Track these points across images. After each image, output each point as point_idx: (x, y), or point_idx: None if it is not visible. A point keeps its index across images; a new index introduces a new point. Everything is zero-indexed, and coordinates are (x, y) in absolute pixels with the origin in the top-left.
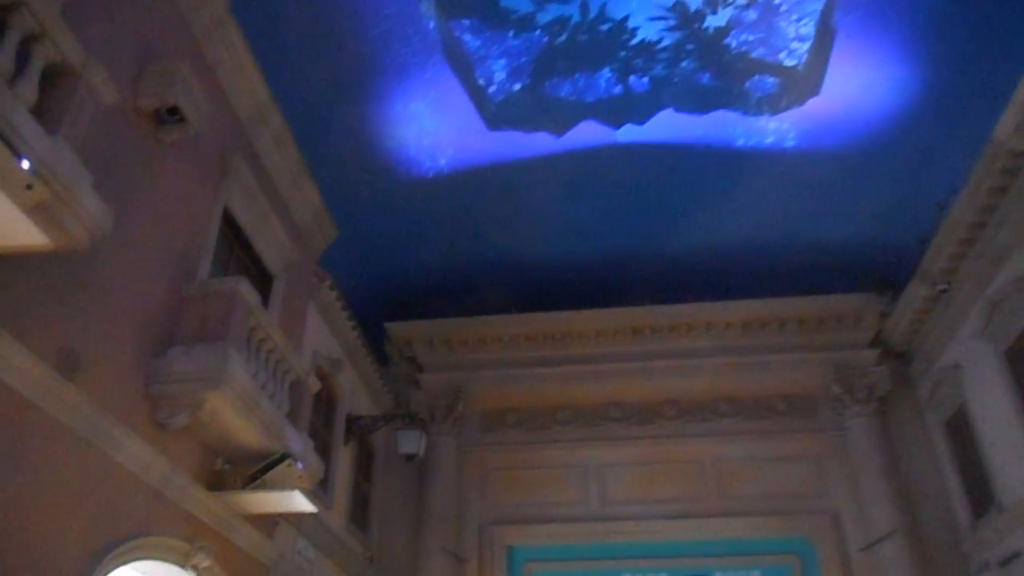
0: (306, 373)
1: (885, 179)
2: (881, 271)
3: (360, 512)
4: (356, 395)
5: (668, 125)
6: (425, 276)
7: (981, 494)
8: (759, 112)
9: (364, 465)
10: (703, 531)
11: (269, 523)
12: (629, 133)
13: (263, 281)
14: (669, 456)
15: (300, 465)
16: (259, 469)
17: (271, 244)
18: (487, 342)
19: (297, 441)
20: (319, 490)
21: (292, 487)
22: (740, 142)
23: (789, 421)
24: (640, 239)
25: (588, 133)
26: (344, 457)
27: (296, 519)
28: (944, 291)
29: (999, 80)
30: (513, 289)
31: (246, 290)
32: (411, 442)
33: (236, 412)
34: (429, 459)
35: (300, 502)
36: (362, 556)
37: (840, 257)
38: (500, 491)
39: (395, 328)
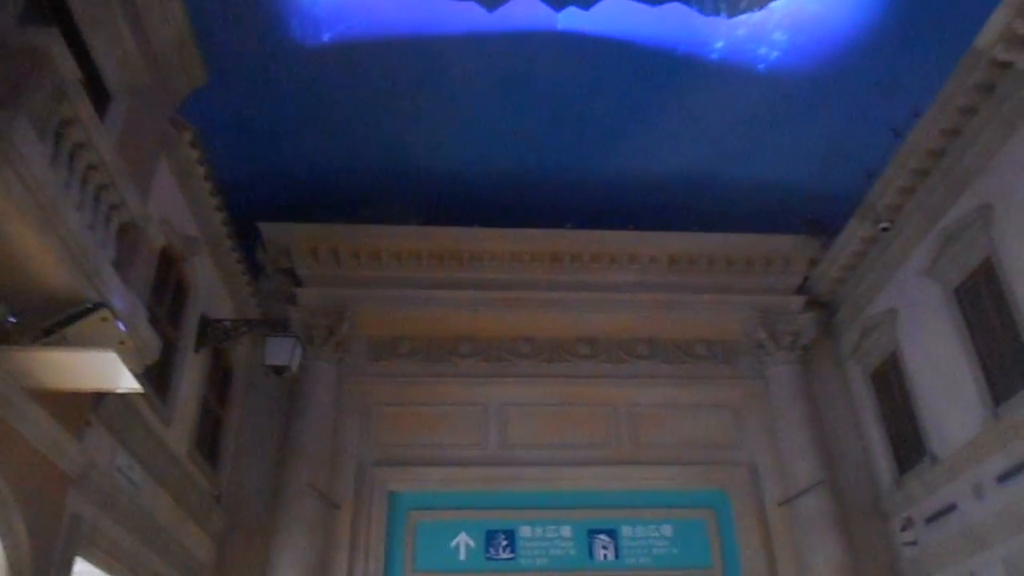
0: (146, 219)
1: (838, 111)
2: (819, 214)
3: (209, 439)
4: (215, 295)
5: (615, 14)
6: (313, 173)
7: (909, 447)
8: (716, 11)
9: (219, 383)
10: (613, 481)
11: (74, 416)
12: (571, 18)
13: (98, 99)
14: (580, 398)
15: (122, 325)
16: (60, 320)
17: (113, 53)
18: (382, 257)
19: (123, 296)
20: (156, 398)
21: (106, 346)
22: (687, 48)
23: (709, 367)
24: (567, 156)
25: (525, 12)
26: (193, 366)
27: (118, 425)
28: (886, 229)
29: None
30: (417, 198)
31: (59, 52)
32: (282, 351)
33: (25, 219)
34: (303, 386)
35: (118, 372)
36: (207, 493)
37: (779, 196)
38: (386, 429)
39: (272, 230)
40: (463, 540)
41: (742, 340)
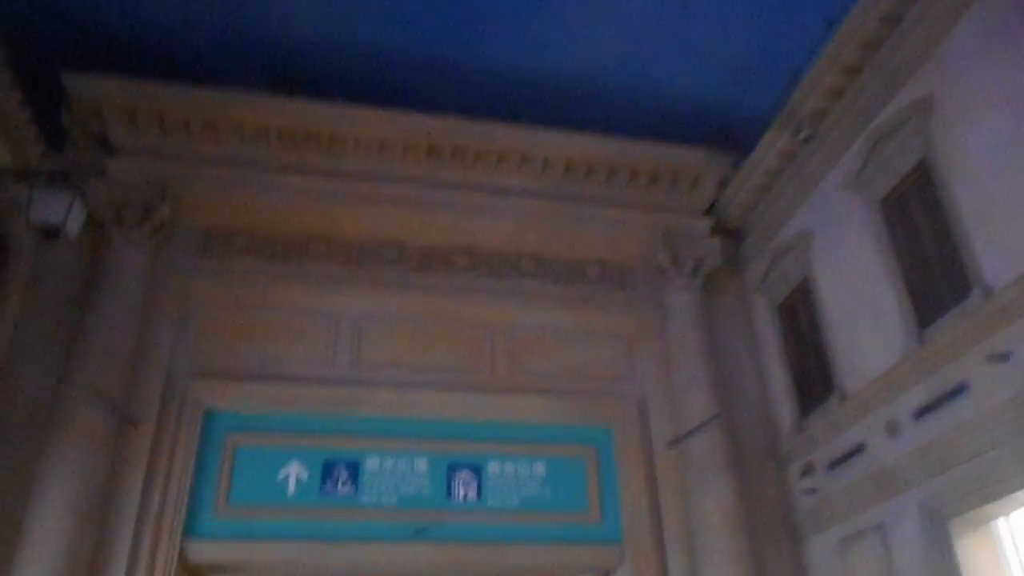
0: None
1: (762, 4)
2: (734, 128)
3: None
4: None
5: None
6: (138, 20)
7: (815, 386)
8: None
9: None
10: (481, 410)
11: None
12: None
13: None
14: (452, 315)
15: None
16: None
17: None
18: (219, 129)
19: None
20: None
21: None
22: None
23: (601, 291)
24: (455, 34)
25: None
26: None
27: None
28: (808, 140)
29: None
30: (270, 64)
31: None
32: (53, 207)
33: None
34: (104, 275)
35: None
36: None
37: (692, 104)
38: (209, 336)
39: (79, 83)
40: (295, 470)
41: (640, 263)
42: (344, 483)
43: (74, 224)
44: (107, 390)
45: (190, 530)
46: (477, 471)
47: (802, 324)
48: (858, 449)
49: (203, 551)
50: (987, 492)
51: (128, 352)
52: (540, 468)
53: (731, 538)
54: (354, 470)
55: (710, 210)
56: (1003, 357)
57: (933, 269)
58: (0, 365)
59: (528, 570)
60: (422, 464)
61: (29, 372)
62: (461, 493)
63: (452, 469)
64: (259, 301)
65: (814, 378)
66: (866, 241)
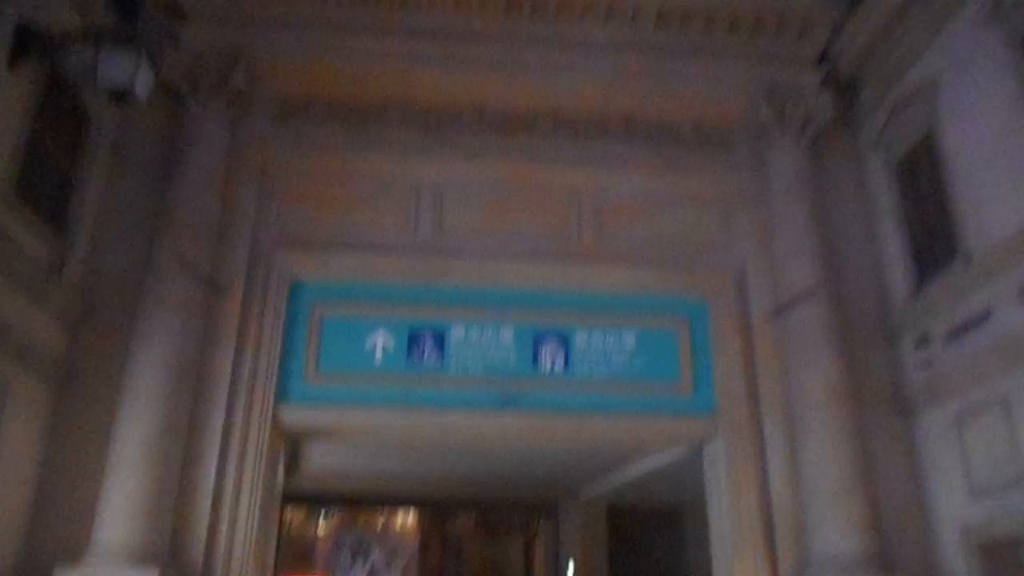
0: None
1: None
2: None
3: (46, 195)
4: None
5: None
6: None
7: (935, 250)
8: None
9: (62, 128)
10: (568, 280)
11: None
12: None
13: None
14: (536, 181)
15: None
16: None
17: None
18: None
19: None
20: None
21: None
22: None
23: (697, 153)
24: None
25: None
26: (5, 87)
27: None
28: None
29: None
30: None
31: None
32: (119, 70)
33: None
34: (184, 146)
35: None
36: (42, 261)
37: None
38: (290, 206)
39: None
40: (381, 340)
41: (741, 122)
42: (430, 352)
43: (142, 88)
44: (194, 260)
45: (282, 396)
46: (564, 341)
47: (923, 183)
48: (983, 317)
49: (295, 416)
50: None
51: (212, 224)
52: (630, 339)
53: (834, 413)
54: (440, 340)
55: (821, 60)
56: None
57: None
58: (90, 236)
59: (617, 440)
60: (508, 334)
61: (117, 245)
62: (548, 363)
63: (538, 339)
64: (338, 170)
65: (935, 242)
66: (1004, 86)
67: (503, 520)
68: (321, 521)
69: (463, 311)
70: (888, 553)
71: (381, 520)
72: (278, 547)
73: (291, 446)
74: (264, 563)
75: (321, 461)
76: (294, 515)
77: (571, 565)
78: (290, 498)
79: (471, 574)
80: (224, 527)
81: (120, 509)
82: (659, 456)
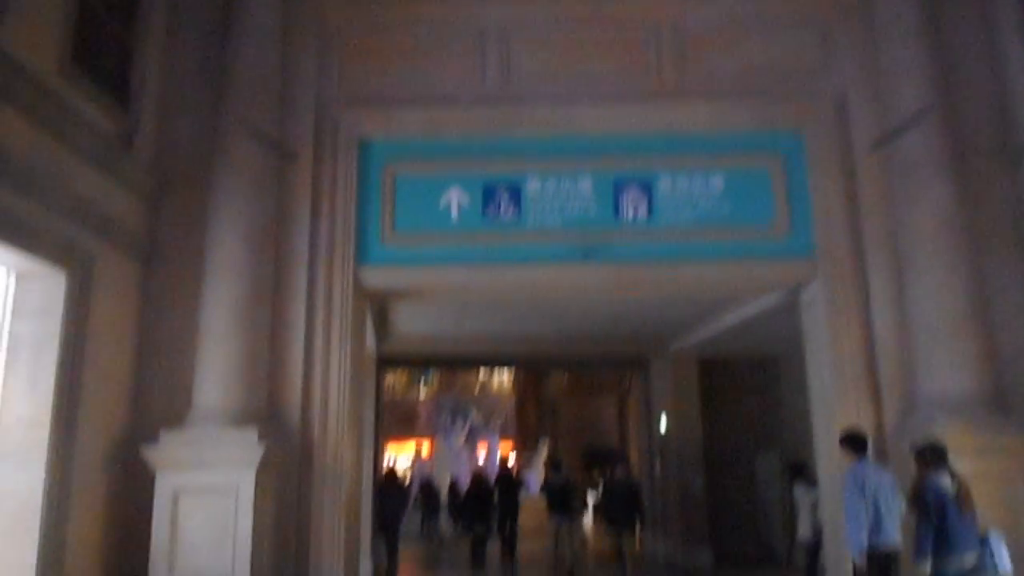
0: None
1: None
2: None
3: (103, 64)
4: None
5: None
6: None
7: None
8: None
9: None
10: (649, 121)
11: None
12: None
13: None
14: (610, 15)
15: None
16: None
17: None
18: None
19: None
20: None
21: None
22: None
23: None
24: None
25: None
26: None
27: None
28: None
29: None
30: None
31: None
32: None
33: None
34: (240, 6)
35: None
36: (108, 133)
37: None
38: (352, 61)
39: None
40: (455, 196)
41: None
42: (506, 207)
43: None
44: (259, 123)
45: (361, 258)
46: (647, 188)
47: None
48: None
49: (375, 277)
50: None
51: (275, 85)
52: (718, 181)
53: (947, 247)
54: (515, 193)
55: None
56: None
57: None
58: (156, 106)
59: (708, 289)
60: (586, 183)
61: (184, 112)
62: (630, 212)
63: (619, 187)
64: (399, 18)
65: None
66: None
67: (596, 379)
68: (422, 387)
69: (538, 162)
70: (1003, 393)
71: (478, 383)
72: (382, 411)
73: (378, 310)
74: (359, 421)
75: (411, 325)
76: (396, 381)
77: (663, 419)
78: (386, 362)
79: (566, 431)
80: (317, 387)
81: (217, 375)
82: (752, 304)
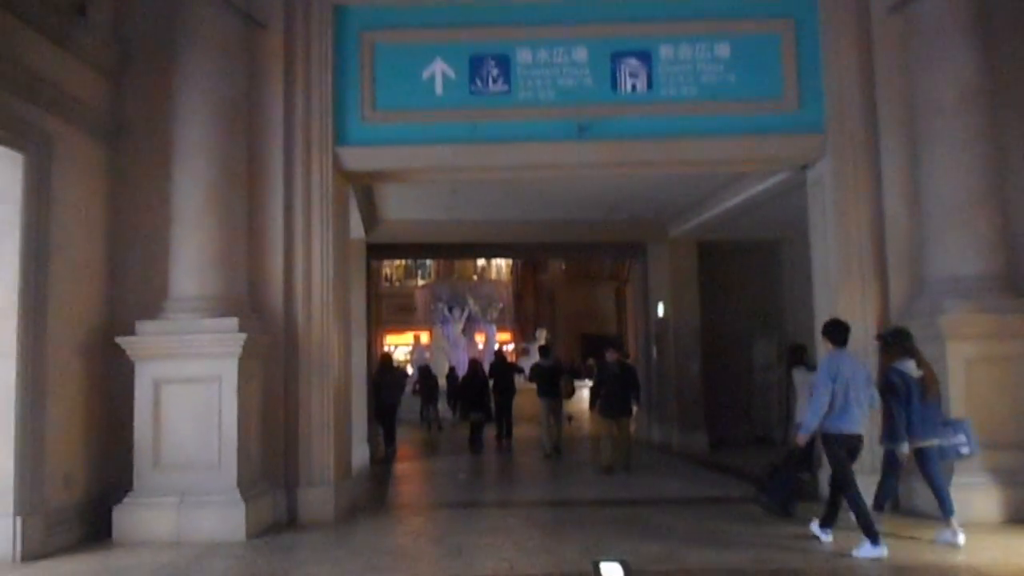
0: None
1: None
2: None
3: None
4: None
5: None
6: None
7: None
8: None
9: None
10: None
11: None
12: None
13: None
14: None
15: None
16: None
17: None
18: None
19: None
20: None
21: None
22: None
23: None
24: None
25: None
26: None
27: None
28: None
29: None
30: None
31: None
32: None
33: None
34: None
35: None
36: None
37: None
38: None
39: None
40: (439, 68)
41: None
42: (495, 79)
43: None
44: None
45: (341, 138)
46: (646, 58)
47: None
48: None
49: (357, 158)
50: None
51: None
52: (723, 49)
53: (966, 117)
54: (505, 64)
55: None
56: None
57: None
58: None
59: (710, 165)
60: (581, 53)
61: None
62: (628, 84)
63: (616, 57)
64: None
65: None
66: None
67: (594, 267)
68: (419, 277)
69: (529, 30)
70: (1016, 276)
71: (475, 273)
72: (375, 301)
73: (364, 193)
74: (347, 308)
75: (401, 211)
76: (394, 272)
77: (660, 308)
78: (377, 249)
79: (564, 320)
80: (299, 274)
81: (192, 261)
82: (755, 185)
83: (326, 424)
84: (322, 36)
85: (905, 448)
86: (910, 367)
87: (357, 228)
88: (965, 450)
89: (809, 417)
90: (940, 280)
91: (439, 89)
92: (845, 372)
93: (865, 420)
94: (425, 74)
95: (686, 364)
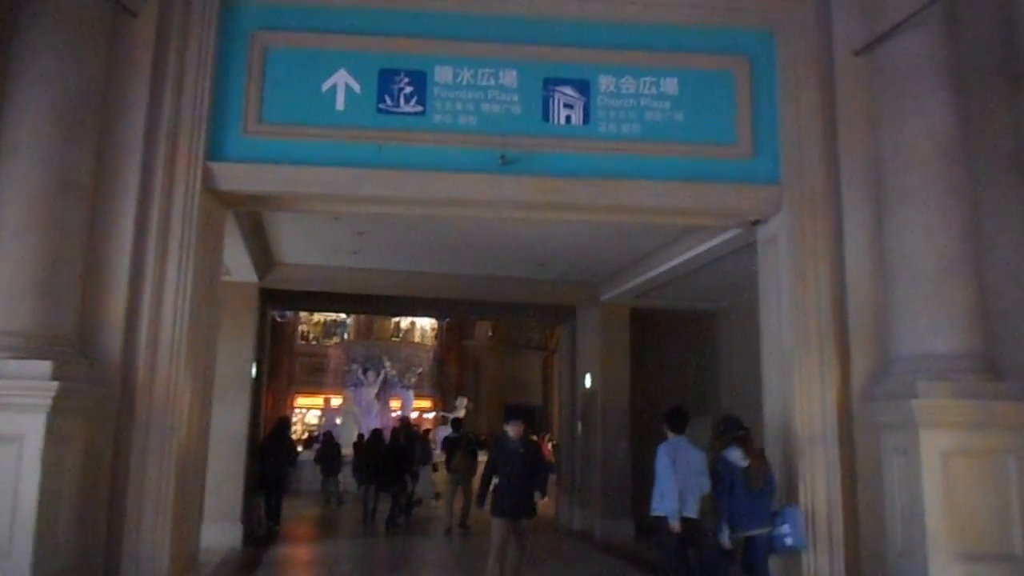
0: None
1: None
2: None
3: None
4: None
5: None
6: None
7: None
8: None
9: None
10: (589, 6)
11: None
12: None
13: None
14: None
15: None
16: None
17: None
18: None
19: None
20: None
21: None
22: None
23: None
24: None
25: None
26: None
27: None
28: None
29: None
30: None
31: None
32: None
33: None
34: None
35: None
36: None
37: None
38: None
39: None
40: (343, 80)
41: None
42: (407, 98)
43: None
44: None
45: (216, 152)
46: (584, 87)
47: None
48: None
49: (234, 176)
50: None
51: None
52: (670, 85)
53: (940, 174)
54: (420, 82)
55: None
56: None
57: None
58: None
59: (650, 211)
60: (510, 76)
61: None
62: (561, 115)
63: (550, 84)
64: None
65: None
66: None
67: (522, 335)
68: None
69: (451, 45)
70: (996, 353)
71: (396, 335)
72: (291, 360)
73: (253, 225)
74: (206, 359)
75: (299, 252)
76: (311, 330)
77: (588, 379)
78: (272, 295)
79: (489, 389)
80: (145, 312)
81: (3, 287)
82: (697, 245)
83: (163, 502)
84: (204, 32)
85: (725, 536)
86: (736, 456)
87: (248, 270)
88: (789, 540)
89: (668, 505)
90: (910, 357)
91: (340, 104)
92: (681, 459)
93: (698, 506)
94: (325, 86)
95: (614, 442)
